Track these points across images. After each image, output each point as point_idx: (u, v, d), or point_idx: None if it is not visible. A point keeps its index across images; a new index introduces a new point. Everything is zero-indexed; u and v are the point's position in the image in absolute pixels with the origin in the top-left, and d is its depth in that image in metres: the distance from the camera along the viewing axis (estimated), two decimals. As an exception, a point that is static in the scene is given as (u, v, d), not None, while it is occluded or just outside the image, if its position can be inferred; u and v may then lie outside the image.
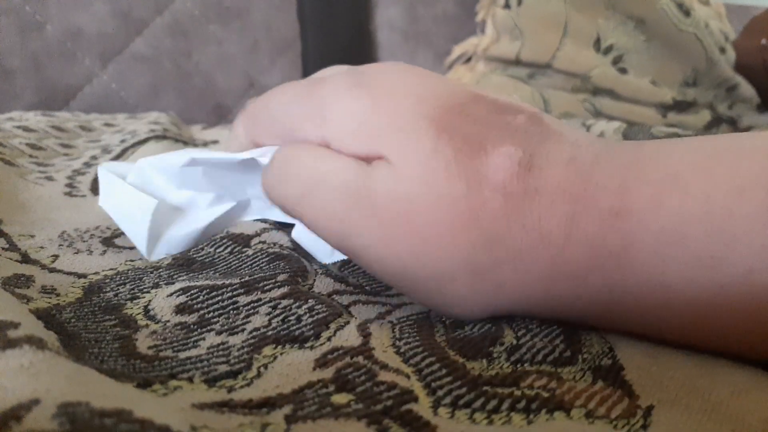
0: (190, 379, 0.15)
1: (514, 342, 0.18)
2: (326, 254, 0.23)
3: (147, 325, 0.18)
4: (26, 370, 0.13)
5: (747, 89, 0.69)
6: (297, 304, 0.19)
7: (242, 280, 0.20)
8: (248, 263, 0.22)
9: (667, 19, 0.62)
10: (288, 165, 0.20)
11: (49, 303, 0.19)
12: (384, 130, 0.18)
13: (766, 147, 0.15)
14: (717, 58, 0.66)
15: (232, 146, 0.24)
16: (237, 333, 0.18)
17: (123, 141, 0.40)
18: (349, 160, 0.19)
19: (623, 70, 0.63)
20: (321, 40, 0.66)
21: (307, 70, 0.65)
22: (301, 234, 0.23)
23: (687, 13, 0.64)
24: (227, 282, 0.20)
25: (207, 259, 0.23)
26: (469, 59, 0.66)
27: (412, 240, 0.17)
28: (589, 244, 0.16)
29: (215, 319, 0.18)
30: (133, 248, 0.24)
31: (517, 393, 0.15)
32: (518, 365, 0.17)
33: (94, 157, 0.37)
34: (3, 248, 0.23)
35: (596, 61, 0.62)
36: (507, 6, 0.63)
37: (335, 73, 0.20)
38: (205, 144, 0.47)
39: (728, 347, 0.17)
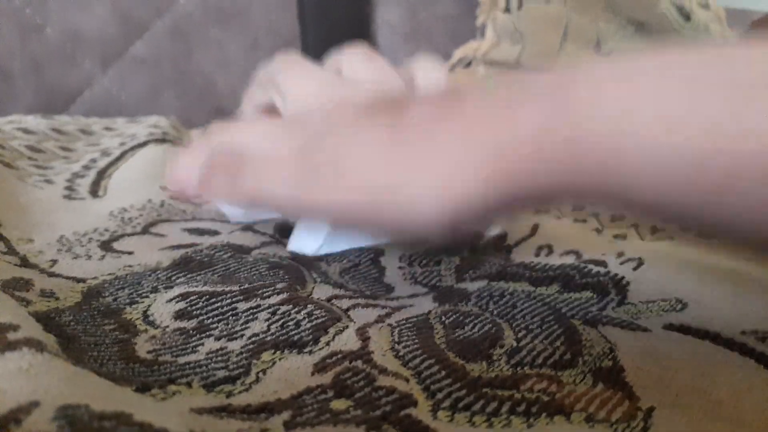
0: (189, 384, 0.15)
1: (514, 344, 0.18)
2: (313, 249, 0.25)
3: (146, 330, 0.18)
4: (25, 373, 0.12)
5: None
6: (296, 309, 0.19)
7: (241, 287, 0.20)
8: (247, 267, 0.22)
9: (668, 23, 0.62)
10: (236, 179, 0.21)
11: (49, 306, 0.19)
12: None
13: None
14: (716, 61, 0.66)
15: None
16: (236, 338, 0.17)
17: (122, 144, 0.40)
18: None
19: (623, 73, 0.63)
20: (321, 41, 0.65)
21: (307, 72, 0.65)
22: (293, 240, 0.25)
23: (687, 17, 0.64)
24: (226, 289, 0.20)
25: (205, 260, 0.23)
26: (469, 63, 0.66)
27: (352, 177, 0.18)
28: (539, 115, 0.16)
29: (214, 325, 0.18)
30: (131, 253, 0.24)
31: (517, 396, 0.15)
32: (518, 368, 0.17)
33: (93, 160, 0.37)
34: (2, 252, 0.23)
35: (596, 64, 0.62)
36: (507, 9, 0.63)
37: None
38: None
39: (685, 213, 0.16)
